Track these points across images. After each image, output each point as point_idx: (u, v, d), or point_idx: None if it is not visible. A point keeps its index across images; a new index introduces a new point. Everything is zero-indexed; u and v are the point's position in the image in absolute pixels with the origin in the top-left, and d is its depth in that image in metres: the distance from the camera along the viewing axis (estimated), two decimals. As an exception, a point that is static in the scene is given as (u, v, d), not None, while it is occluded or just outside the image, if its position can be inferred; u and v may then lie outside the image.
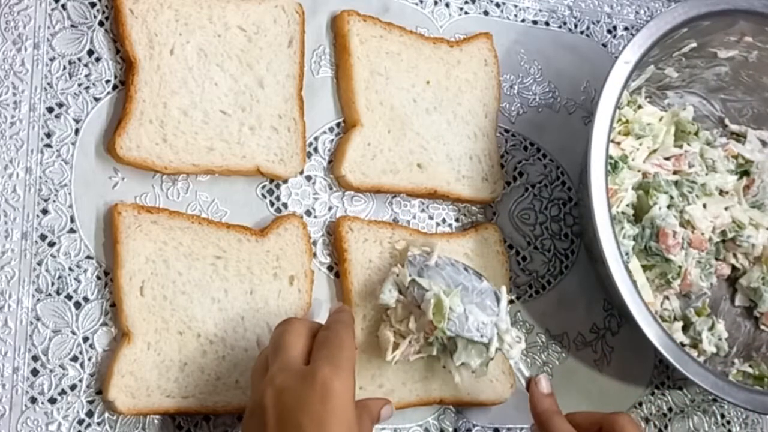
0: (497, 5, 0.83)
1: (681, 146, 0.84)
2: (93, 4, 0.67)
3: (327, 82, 0.74)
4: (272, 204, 0.71)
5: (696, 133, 0.85)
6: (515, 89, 0.83)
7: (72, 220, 0.64)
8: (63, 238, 0.63)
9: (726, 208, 0.82)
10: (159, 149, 0.65)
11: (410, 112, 0.75)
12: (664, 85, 0.85)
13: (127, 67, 0.66)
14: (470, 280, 0.69)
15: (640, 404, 0.82)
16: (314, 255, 0.71)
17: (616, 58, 0.72)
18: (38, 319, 0.62)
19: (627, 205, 0.79)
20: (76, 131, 0.65)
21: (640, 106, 0.83)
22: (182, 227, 0.65)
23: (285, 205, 0.71)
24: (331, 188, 0.73)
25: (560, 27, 0.86)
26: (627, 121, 0.82)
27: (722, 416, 0.85)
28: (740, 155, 0.86)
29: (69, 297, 0.63)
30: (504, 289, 0.69)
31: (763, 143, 0.88)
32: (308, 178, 0.72)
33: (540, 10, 0.85)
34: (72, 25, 0.66)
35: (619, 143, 0.81)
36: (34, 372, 0.61)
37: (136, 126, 0.65)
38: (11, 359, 0.61)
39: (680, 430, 0.83)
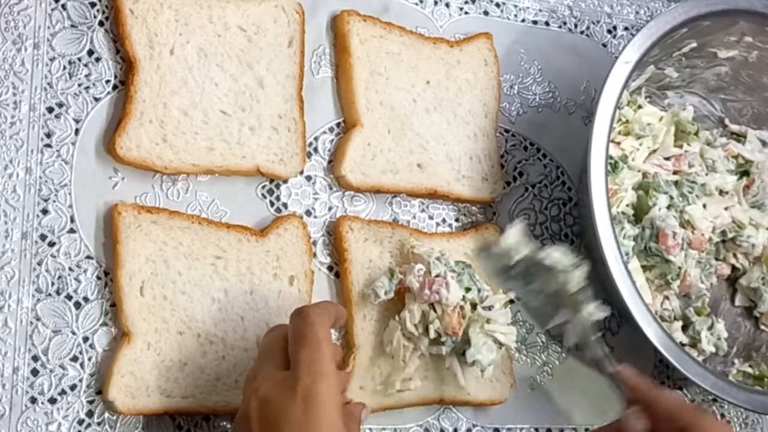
0: (497, 5, 0.83)
1: (681, 146, 0.84)
2: (93, 4, 0.67)
3: (327, 82, 0.74)
4: (272, 204, 0.71)
5: (696, 133, 0.85)
6: (515, 89, 0.83)
7: (72, 220, 0.64)
8: (63, 238, 0.63)
9: (726, 208, 0.82)
10: (159, 149, 0.65)
11: (410, 112, 0.75)
12: (664, 85, 0.85)
13: (127, 67, 0.66)
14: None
15: (640, 404, 0.82)
16: (314, 255, 0.71)
17: (616, 58, 0.72)
18: (38, 319, 0.62)
19: (627, 205, 0.79)
20: (76, 131, 0.65)
21: (640, 106, 0.83)
22: (182, 227, 0.65)
23: (285, 205, 0.71)
24: (331, 188, 0.73)
25: (560, 27, 0.86)
26: (627, 121, 0.82)
27: (722, 416, 0.85)
28: (740, 155, 0.86)
29: (69, 297, 0.63)
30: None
31: (763, 143, 0.88)
32: (308, 178, 0.72)
33: (540, 10, 0.85)
34: (72, 25, 0.66)
35: (619, 143, 0.81)
36: (34, 372, 0.61)
37: (136, 126, 0.65)
38: (11, 359, 0.61)
39: (680, 430, 0.83)
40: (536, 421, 0.77)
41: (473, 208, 0.78)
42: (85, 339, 0.63)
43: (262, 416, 0.53)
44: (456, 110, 0.77)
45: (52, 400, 0.62)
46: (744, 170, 0.86)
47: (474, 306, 0.71)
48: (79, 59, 0.66)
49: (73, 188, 0.64)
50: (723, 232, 0.83)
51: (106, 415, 0.63)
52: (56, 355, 0.62)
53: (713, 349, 0.81)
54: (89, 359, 0.63)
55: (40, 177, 0.64)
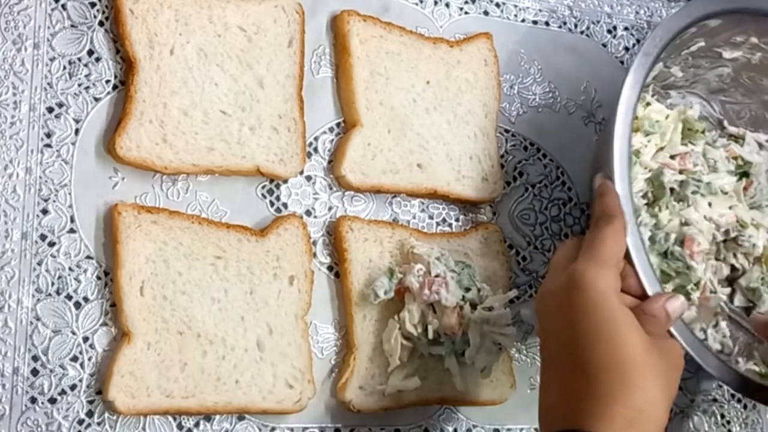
0: (497, 5, 0.83)
1: (686, 145, 0.84)
2: (93, 4, 0.67)
3: (327, 82, 0.74)
4: (272, 204, 0.71)
5: (702, 132, 0.85)
6: (515, 89, 0.83)
7: (72, 220, 0.64)
8: (63, 238, 0.63)
9: (730, 207, 0.82)
10: (159, 149, 0.65)
11: (410, 112, 0.75)
12: (668, 84, 0.85)
13: (127, 67, 0.66)
14: None
15: (640, 404, 0.82)
16: (314, 255, 0.71)
17: (635, 53, 0.71)
18: (38, 319, 0.62)
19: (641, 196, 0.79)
20: (76, 131, 0.65)
21: (648, 103, 0.83)
22: (182, 227, 0.65)
23: (285, 205, 0.71)
24: (331, 188, 0.73)
25: (560, 27, 0.86)
26: (636, 117, 0.81)
27: (722, 416, 0.85)
28: (740, 156, 0.86)
29: (69, 297, 0.63)
30: None
31: (760, 145, 0.88)
32: (308, 178, 0.72)
33: (540, 10, 0.85)
34: (72, 25, 0.66)
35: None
36: (34, 372, 0.61)
37: (136, 126, 0.65)
38: (11, 359, 0.61)
39: (680, 430, 0.83)
40: (536, 422, 0.77)
41: (473, 208, 0.78)
42: (85, 339, 0.63)
43: (545, 307, 0.63)
44: (456, 110, 0.77)
45: (52, 400, 0.62)
46: (743, 171, 0.86)
47: (474, 306, 0.71)
48: (79, 59, 0.66)
49: (73, 188, 0.64)
50: (726, 232, 0.83)
51: (106, 415, 0.63)
52: (56, 355, 0.62)
53: (719, 347, 0.81)
54: (89, 359, 0.63)
55: (40, 177, 0.64)
